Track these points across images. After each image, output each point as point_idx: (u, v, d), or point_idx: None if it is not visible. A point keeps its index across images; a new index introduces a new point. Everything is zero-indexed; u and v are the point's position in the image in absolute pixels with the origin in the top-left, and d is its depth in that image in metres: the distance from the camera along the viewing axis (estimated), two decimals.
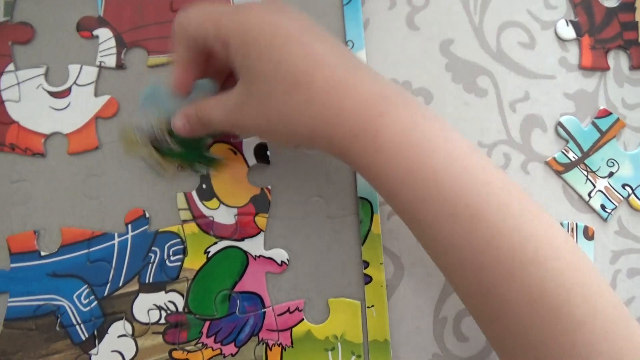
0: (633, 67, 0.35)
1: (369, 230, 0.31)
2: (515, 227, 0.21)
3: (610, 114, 0.34)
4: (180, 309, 0.30)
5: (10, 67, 0.33)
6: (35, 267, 0.30)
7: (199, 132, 0.29)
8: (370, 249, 0.31)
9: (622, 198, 0.34)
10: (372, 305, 0.30)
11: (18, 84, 0.33)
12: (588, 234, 0.33)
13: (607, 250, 0.33)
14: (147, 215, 0.31)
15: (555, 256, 0.21)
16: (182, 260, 0.31)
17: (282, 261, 0.31)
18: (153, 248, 0.31)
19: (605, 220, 0.33)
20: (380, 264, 0.31)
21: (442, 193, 0.22)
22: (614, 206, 0.33)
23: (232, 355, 0.30)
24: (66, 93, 0.33)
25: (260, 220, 0.31)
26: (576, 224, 0.33)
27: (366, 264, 0.31)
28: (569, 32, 0.35)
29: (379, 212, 0.32)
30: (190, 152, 0.31)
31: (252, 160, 0.32)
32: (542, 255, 0.21)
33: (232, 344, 0.30)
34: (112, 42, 0.33)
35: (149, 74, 0.33)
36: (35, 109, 0.32)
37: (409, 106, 0.24)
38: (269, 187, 0.32)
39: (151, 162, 0.31)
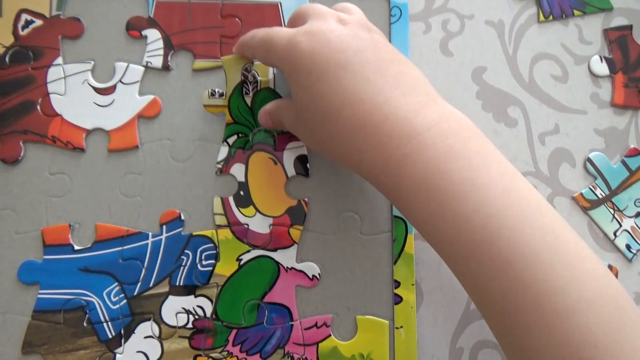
0: None
1: (402, 249, 0.31)
2: (543, 277, 0.21)
3: None
4: (209, 314, 0.30)
5: (59, 60, 0.33)
6: (67, 260, 0.31)
7: (279, 128, 0.32)
8: (402, 268, 0.31)
9: None
10: (401, 326, 0.30)
11: (65, 77, 0.33)
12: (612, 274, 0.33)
13: (631, 292, 0.33)
14: (183, 217, 0.32)
15: (583, 310, 0.20)
16: (214, 266, 0.31)
17: (313, 275, 0.31)
18: (186, 251, 0.31)
19: (630, 260, 0.33)
20: (412, 284, 0.31)
21: (467, 237, 0.22)
22: (639, 247, 0.33)
23: None
24: (111, 90, 0.33)
25: (295, 232, 0.31)
26: None
27: (397, 284, 0.31)
28: (602, 69, 0.35)
29: (413, 232, 0.32)
30: None
31: (291, 171, 0.32)
32: (569, 308, 0.20)
33: (258, 355, 0.30)
34: (160, 44, 0.34)
35: (194, 77, 0.34)
36: (80, 104, 0.33)
37: (439, 143, 0.23)
38: (306, 199, 0.32)
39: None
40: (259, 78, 0.33)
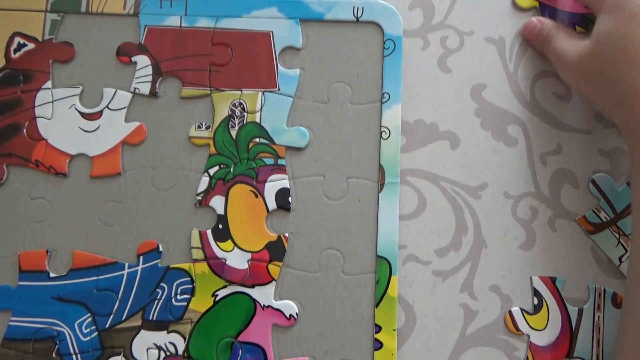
0: None
1: (384, 291, 0.31)
2: None
3: None
4: (180, 352, 0.30)
5: (48, 84, 0.34)
6: (42, 287, 0.31)
7: (537, 47, 0.35)
8: (384, 312, 0.31)
9: None
10: None
11: (52, 101, 0.34)
12: (617, 302, 0.32)
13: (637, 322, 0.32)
14: (161, 249, 0.32)
15: None
16: (189, 301, 0.31)
17: (290, 315, 0.30)
18: (161, 284, 0.31)
19: None
20: (393, 330, 0.30)
21: None
22: None
23: None
24: (97, 115, 0.34)
25: (274, 269, 0.31)
26: (604, 290, 0.32)
27: (378, 328, 0.30)
28: None
29: (397, 274, 0.31)
30: None
31: (272, 205, 0.32)
32: None
33: None
34: (149, 70, 0.34)
35: (181, 105, 0.34)
36: (65, 129, 0.34)
37: None
38: (287, 234, 0.32)
39: None
40: (245, 113, 0.33)
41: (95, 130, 0.34)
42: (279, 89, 0.34)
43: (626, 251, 0.32)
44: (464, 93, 0.35)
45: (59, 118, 0.34)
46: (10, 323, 0.30)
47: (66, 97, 0.34)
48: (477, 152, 0.34)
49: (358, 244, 0.32)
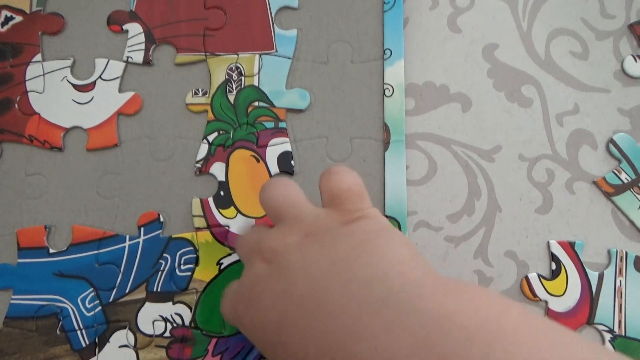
0: None
1: None
2: None
3: None
4: (187, 322, 0.29)
5: (38, 57, 0.34)
6: (42, 264, 0.31)
7: None
8: None
9: None
10: None
11: (43, 74, 0.34)
12: (639, 266, 0.31)
13: None
14: (162, 219, 0.31)
15: None
16: (193, 270, 0.30)
17: None
18: (164, 255, 0.30)
19: None
20: None
21: None
22: None
23: None
24: (90, 87, 0.33)
25: None
26: (626, 253, 0.31)
27: None
28: (638, 69, 0.33)
29: (407, 233, 0.31)
30: None
31: (274, 169, 0.32)
32: None
33: None
34: (142, 38, 0.34)
35: (176, 72, 0.33)
36: (58, 102, 0.33)
37: None
38: None
39: None
40: (243, 77, 0.33)
41: (89, 102, 0.33)
42: (276, 51, 0.33)
43: None
44: (476, 53, 0.34)
45: (51, 91, 0.33)
46: (12, 301, 0.30)
47: (57, 70, 0.34)
48: (490, 114, 0.33)
49: None
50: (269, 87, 0.33)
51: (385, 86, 0.32)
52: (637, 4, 0.35)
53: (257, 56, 0.33)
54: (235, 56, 0.33)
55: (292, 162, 0.32)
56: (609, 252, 0.31)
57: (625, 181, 0.32)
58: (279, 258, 0.22)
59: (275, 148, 0.32)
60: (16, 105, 0.33)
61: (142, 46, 0.34)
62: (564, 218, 0.32)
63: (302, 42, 0.34)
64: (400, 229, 0.30)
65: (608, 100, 0.33)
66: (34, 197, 0.32)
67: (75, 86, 0.33)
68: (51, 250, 0.31)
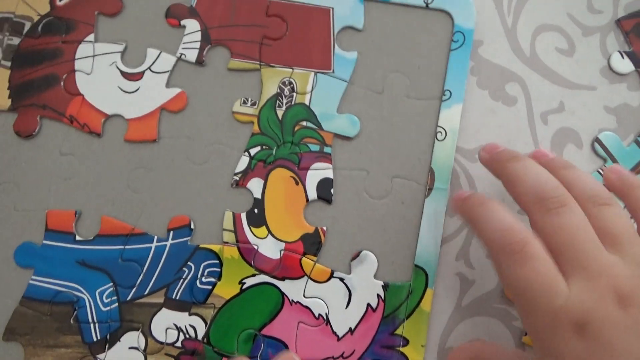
0: None
1: (417, 304, 0.30)
2: None
3: None
4: (200, 336, 0.30)
5: (91, 37, 0.34)
6: (67, 250, 0.31)
7: None
8: (414, 325, 0.30)
9: None
10: None
11: (93, 56, 0.34)
12: None
13: None
14: (192, 226, 0.31)
15: None
16: (214, 285, 0.31)
17: (319, 314, 0.30)
18: (189, 263, 0.31)
19: None
20: (422, 346, 0.30)
21: None
22: None
23: None
24: (138, 76, 0.34)
25: (307, 263, 0.31)
26: None
27: (405, 342, 0.30)
28: (625, 65, 0.34)
29: (434, 286, 0.31)
30: None
31: (312, 194, 0.32)
32: None
33: None
34: (198, 36, 0.34)
35: (227, 76, 0.33)
36: (104, 86, 0.33)
37: None
38: (325, 228, 0.31)
39: None
40: (295, 93, 0.33)
41: (134, 91, 0.33)
42: (333, 72, 0.33)
43: None
44: None
45: (99, 74, 0.34)
46: (31, 282, 0.31)
47: (108, 53, 0.34)
48: (474, 112, 0.33)
49: (395, 249, 0.31)
50: (320, 108, 0.33)
51: (438, 129, 0.32)
52: None
53: (312, 74, 0.33)
54: (290, 70, 0.33)
55: (332, 191, 0.32)
56: None
57: None
58: (638, 310, 0.21)
59: (317, 173, 0.32)
60: (62, 83, 0.33)
61: (197, 45, 0.34)
62: None
63: (359, 66, 0.33)
64: (426, 281, 0.31)
65: (594, 98, 0.33)
66: (64, 177, 0.33)
67: (123, 73, 0.34)
68: (77, 238, 0.31)
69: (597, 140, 0.33)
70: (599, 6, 0.35)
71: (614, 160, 0.32)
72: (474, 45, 0.34)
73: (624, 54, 0.34)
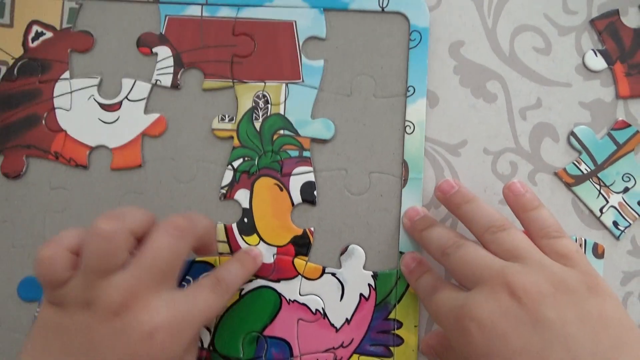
0: None
1: (406, 288, 0.33)
2: None
3: (629, 125, 0.35)
4: (206, 345, 0.32)
5: (66, 74, 0.36)
6: None
7: None
8: (405, 308, 0.32)
9: (637, 216, 0.34)
10: None
11: (71, 92, 0.35)
12: (598, 252, 0.34)
13: (618, 271, 0.35)
14: None
15: None
16: None
17: (316, 309, 0.32)
18: (187, 277, 0.33)
19: (617, 238, 0.34)
20: (415, 326, 0.32)
21: None
22: (627, 224, 0.34)
23: None
24: (117, 107, 0.35)
25: (299, 263, 0.33)
26: (585, 241, 0.34)
27: (399, 324, 0.32)
28: (599, 63, 0.36)
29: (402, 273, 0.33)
30: None
31: (297, 199, 0.34)
32: None
33: None
34: (171, 62, 0.36)
35: (203, 97, 0.36)
36: (85, 120, 0.35)
37: None
38: (312, 228, 0.34)
39: None
40: (269, 105, 0.35)
41: (114, 121, 0.35)
42: (302, 81, 0.35)
43: (607, 202, 0.34)
44: (442, 50, 0.36)
45: (78, 109, 0.35)
46: (37, 314, 0.32)
47: (85, 88, 0.36)
48: (457, 110, 0.36)
49: (380, 240, 0.34)
50: (295, 116, 0.35)
51: (407, 123, 0.35)
52: (599, 0, 0.37)
53: (283, 85, 0.35)
54: (263, 84, 0.35)
55: (315, 193, 0.34)
56: None
57: (585, 172, 0.35)
58: (531, 303, 0.24)
59: (299, 177, 0.34)
60: (43, 122, 0.35)
61: (171, 70, 0.36)
62: None
63: (327, 73, 0.36)
64: None
65: (569, 94, 0.36)
66: (57, 210, 0.34)
67: (101, 105, 0.35)
68: None
69: (572, 134, 0.35)
70: (574, 7, 0.37)
71: (588, 153, 0.35)
72: (456, 45, 0.36)
73: (597, 52, 0.36)
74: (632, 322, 0.25)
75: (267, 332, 0.32)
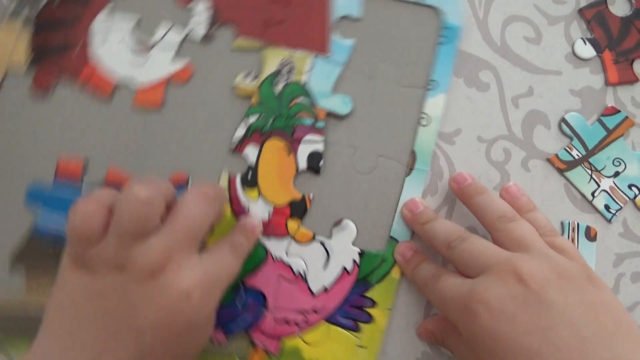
0: None
1: (388, 271, 0.34)
2: None
3: (619, 111, 0.36)
4: None
5: (109, 7, 0.38)
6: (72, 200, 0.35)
7: (441, 345, 0.33)
8: (383, 290, 0.33)
9: (627, 199, 0.35)
10: (365, 347, 0.33)
11: (109, 26, 0.37)
12: (590, 235, 0.35)
13: (611, 253, 0.35)
14: (190, 182, 0.35)
15: None
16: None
17: (298, 272, 0.34)
18: None
19: (609, 221, 0.35)
20: (388, 309, 0.33)
21: None
22: (618, 207, 0.35)
23: (219, 342, 0.33)
24: (147, 50, 0.37)
25: (292, 225, 0.34)
26: (577, 224, 0.35)
27: (373, 303, 0.33)
28: (588, 51, 0.37)
29: (397, 262, 0.34)
30: None
31: (303, 165, 0.35)
32: None
33: (221, 332, 0.33)
34: (208, 14, 0.37)
35: (232, 54, 0.37)
36: (116, 55, 0.37)
37: None
38: (311, 195, 0.35)
39: None
40: (293, 73, 0.36)
41: (144, 62, 0.37)
42: (330, 55, 0.37)
43: (598, 186, 0.35)
44: None
45: (112, 44, 0.37)
46: (40, 221, 0.34)
47: (122, 24, 0.37)
48: (451, 99, 0.36)
49: (374, 222, 0.35)
50: (316, 88, 0.36)
51: (423, 115, 0.36)
52: None
53: (311, 56, 0.37)
54: (291, 51, 0.37)
55: (321, 163, 0.35)
56: (562, 223, 0.35)
57: (577, 157, 0.36)
58: (538, 287, 0.26)
59: (309, 145, 0.35)
60: (77, 49, 0.37)
61: (207, 22, 0.37)
62: None
63: (355, 52, 0.37)
64: None
65: (560, 82, 0.37)
66: (76, 132, 0.36)
67: (134, 44, 0.37)
68: (83, 189, 0.35)
69: (563, 120, 0.36)
70: None
71: (579, 139, 0.36)
72: None
73: (586, 40, 0.37)
74: (625, 312, 0.27)
75: (247, 281, 0.33)
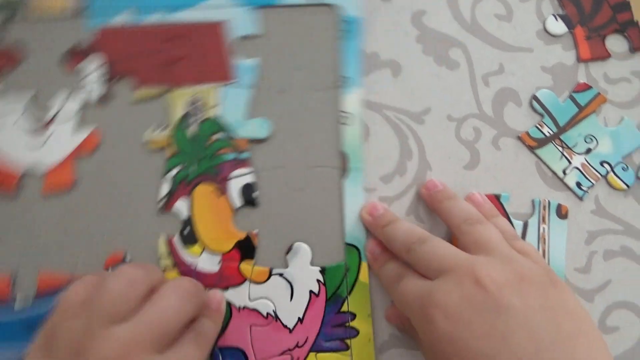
0: (635, 49, 0.37)
1: (356, 279, 0.33)
2: None
3: (590, 87, 0.36)
4: None
5: (1, 87, 0.34)
6: (8, 323, 0.32)
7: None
8: (357, 299, 0.33)
9: (599, 176, 0.36)
10: None
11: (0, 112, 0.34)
12: (561, 213, 0.35)
13: (583, 231, 0.36)
14: (128, 259, 0.33)
15: None
16: None
17: (267, 313, 0.33)
18: None
19: (580, 198, 0.35)
20: (368, 315, 0.33)
21: None
22: (590, 184, 0.35)
23: None
24: (46, 127, 0.34)
25: (245, 268, 0.33)
26: (549, 202, 0.35)
27: (353, 316, 0.33)
28: (559, 27, 0.37)
29: (366, 259, 0.34)
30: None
31: (237, 202, 0.34)
32: None
33: None
34: (101, 71, 0.35)
35: (135, 107, 0.35)
36: (12, 143, 0.34)
37: None
38: (255, 231, 0.34)
39: None
40: (203, 110, 0.34)
41: (44, 141, 0.34)
42: (236, 81, 0.35)
43: (570, 163, 0.35)
44: (405, 20, 0.37)
45: (7, 129, 0.34)
46: None
47: (14, 105, 0.34)
48: (420, 78, 0.36)
49: (325, 234, 0.34)
50: (230, 118, 0.34)
51: (343, 114, 0.35)
52: None
53: (217, 87, 0.35)
54: (196, 88, 0.35)
55: (255, 195, 0.34)
56: (533, 202, 0.35)
57: (548, 135, 0.36)
58: (497, 291, 0.25)
59: (238, 180, 0.34)
60: None
61: (101, 80, 0.35)
62: (490, 173, 0.36)
63: (261, 70, 0.35)
64: (359, 255, 0.33)
65: (531, 59, 0.37)
66: None
67: (29, 126, 0.34)
68: (16, 307, 0.32)
69: (534, 98, 0.36)
70: None
71: (550, 116, 0.36)
72: (418, 15, 0.37)
73: (558, 17, 0.37)
74: (587, 313, 0.27)
75: (220, 343, 0.32)
